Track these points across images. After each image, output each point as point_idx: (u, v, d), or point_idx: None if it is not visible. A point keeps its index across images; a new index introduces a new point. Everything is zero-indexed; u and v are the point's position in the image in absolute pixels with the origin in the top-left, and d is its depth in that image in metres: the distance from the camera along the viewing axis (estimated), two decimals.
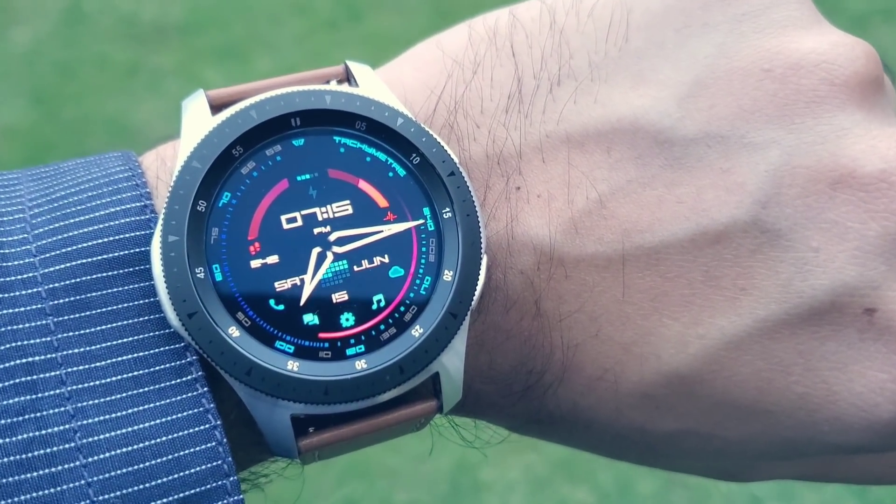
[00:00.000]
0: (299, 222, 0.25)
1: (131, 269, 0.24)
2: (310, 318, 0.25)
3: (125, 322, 0.24)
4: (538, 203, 0.27)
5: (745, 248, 0.26)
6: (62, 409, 0.23)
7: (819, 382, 0.26)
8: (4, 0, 2.00)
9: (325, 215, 0.26)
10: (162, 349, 0.24)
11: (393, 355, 0.25)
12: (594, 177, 0.27)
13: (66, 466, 0.22)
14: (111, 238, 0.25)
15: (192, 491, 0.23)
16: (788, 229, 0.26)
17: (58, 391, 0.23)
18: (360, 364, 0.25)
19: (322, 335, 0.25)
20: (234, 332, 0.24)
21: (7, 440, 0.22)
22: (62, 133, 1.78)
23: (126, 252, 0.25)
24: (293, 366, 0.24)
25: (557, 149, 0.27)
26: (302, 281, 0.25)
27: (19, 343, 0.23)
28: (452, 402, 0.27)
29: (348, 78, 0.28)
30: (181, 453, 0.23)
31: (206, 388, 0.24)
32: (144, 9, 2.00)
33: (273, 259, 0.25)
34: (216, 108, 0.27)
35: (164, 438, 0.23)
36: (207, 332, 0.24)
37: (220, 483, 0.23)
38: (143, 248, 0.25)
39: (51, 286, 0.24)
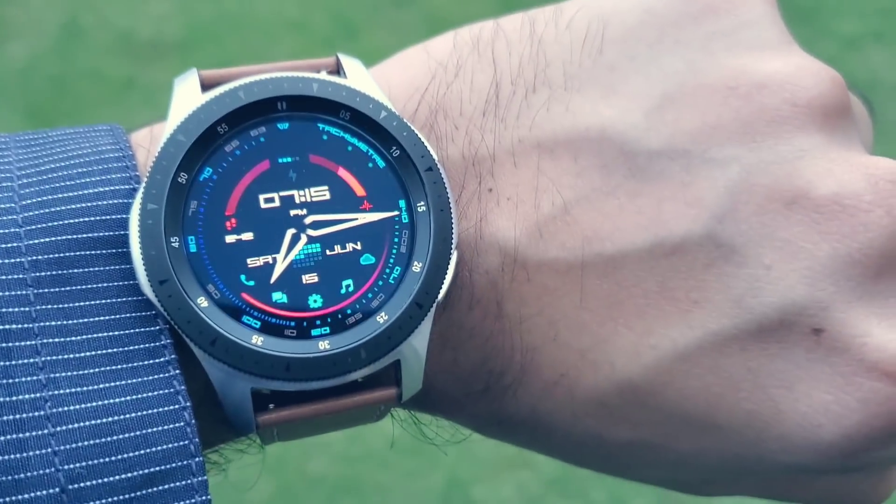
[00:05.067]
0: (277, 203, 0.26)
1: (115, 251, 0.25)
2: (279, 297, 0.26)
3: (104, 301, 0.24)
4: (507, 206, 0.27)
5: (699, 262, 0.26)
6: (34, 377, 0.23)
7: (766, 400, 0.26)
8: (0, 15, 2.00)
9: (303, 198, 0.26)
10: (137, 330, 0.24)
11: (356, 339, 0.26)
12: (561, 183, 0.27)
13: (33, 434, 0.22)
14: (98, 217, 0.25)
15: (158, 468, 0.23)
16: (742, 245, 0.26)
17: (31, 360, 0.23)
18: (324, 344, 0.25)
19: (289, 313, 0.26)
20: (203, 302, 0.25)
21: None
22: None
23: (111, 233, 0.25)
24: (258, 340, 0.25)
25: (528, 154, 0.27)
26: (274, 259, 0.26)
27: None
28: (412, 392, 0.27)
29: (339, 70, 0.29)
30: (149, 430, 0.23)
31: (177, 371, 0.24)
32: (141, 25, 2.01)
33: (248, 236, 0.26)
34: (207, 86, 0.27)
35: (133, 415, 0.23)
36: (176, 299, 0.24)
37: (185, 463, 0.23)
38: (128, 231, 0.25)
39: (34, 258, 0.24)
